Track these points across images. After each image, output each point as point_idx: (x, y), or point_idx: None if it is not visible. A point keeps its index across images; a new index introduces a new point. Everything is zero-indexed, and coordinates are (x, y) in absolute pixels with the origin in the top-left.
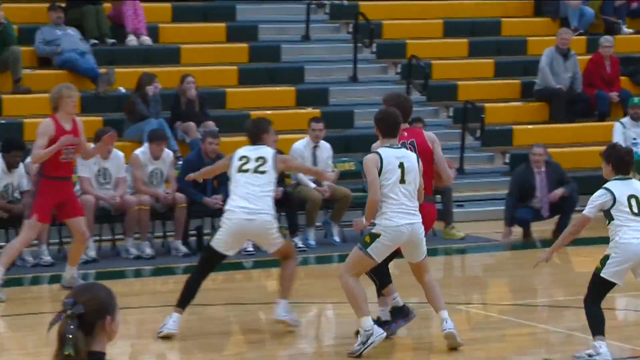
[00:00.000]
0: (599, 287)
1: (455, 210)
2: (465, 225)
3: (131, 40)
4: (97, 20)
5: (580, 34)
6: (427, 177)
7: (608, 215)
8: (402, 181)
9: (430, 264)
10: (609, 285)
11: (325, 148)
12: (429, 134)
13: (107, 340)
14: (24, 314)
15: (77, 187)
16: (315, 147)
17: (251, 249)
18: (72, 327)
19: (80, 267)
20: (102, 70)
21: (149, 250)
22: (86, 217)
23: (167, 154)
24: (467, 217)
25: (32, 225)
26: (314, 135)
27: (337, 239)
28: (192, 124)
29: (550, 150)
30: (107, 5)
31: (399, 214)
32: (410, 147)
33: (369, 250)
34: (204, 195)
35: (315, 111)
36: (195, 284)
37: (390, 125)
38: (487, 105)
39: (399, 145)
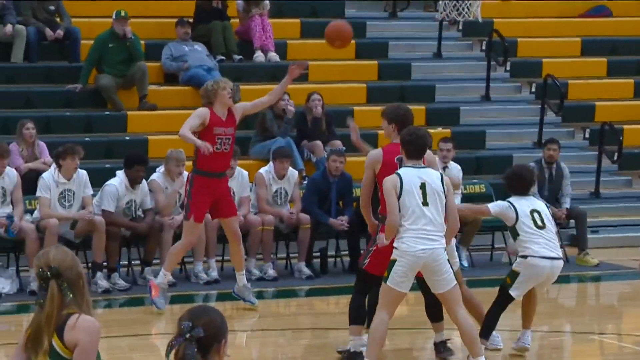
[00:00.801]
0: (503, 300)
1: (589, 236)
2: (599, 252)
3: (258, 56)
4: (224, 36)
5: None
6: None
7: (513, 232)
8: (425, 203)
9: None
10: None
11: (455, 169)
12: (428, 154)
13: None
14: (144, 334)
15: None
16: (445, 168)
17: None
18: (192, 350)
19: (203, 287)
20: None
21: (271, 272)
22: (209, 236)
23: (292, 173)
24: (601, 243)
25: (191, 227)
26: (442, 156)
27: (465, 263)
28: (318, 142)
29: None
30: (235, 21)
31: (417, 239)
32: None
33: (388, 282)
34: (329, 216)
35: (446, 131)
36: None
37: (419, 147)
38: (625, 127)
39: (422, 165)
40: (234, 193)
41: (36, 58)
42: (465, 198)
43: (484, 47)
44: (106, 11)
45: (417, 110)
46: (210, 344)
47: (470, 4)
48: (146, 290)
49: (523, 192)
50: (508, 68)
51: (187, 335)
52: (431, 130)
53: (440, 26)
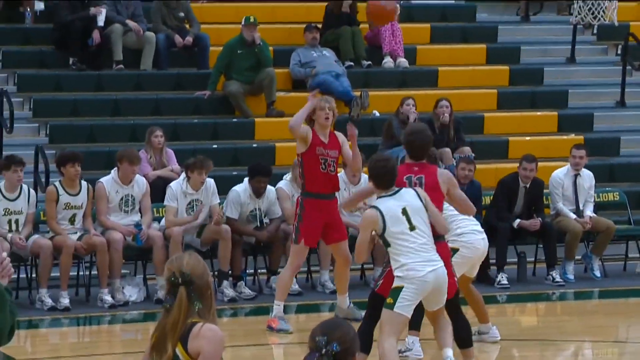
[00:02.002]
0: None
1: None
2: None
3: (387, 62)
4: (353, 42)
5: None
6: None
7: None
8: (412, 228)
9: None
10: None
11: (588, 177)
12: (443, 172)
13: None
14: (269, 344)
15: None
16: (577, 175)
17: (505, 282)
18: None
19: (328, 297)
20: (356, 92)
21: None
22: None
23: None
24: None
25: (300, 251)
26: (574, 163)
27: (597, 273)
28: (447, 149)
29: None
30: (364, 26)
31: (421, 262)
32: (415, 183)
33: (396, 309)
34: None
35: (579, 137)
36: None
37: (386, 176)
38: None
39: (395, 190)
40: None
41: (165, 65)
42: (599, 206)
43: (619, 51)
44: (235, 17)
45: (549, 116)
46: (344, 359)
47: (606, 6)
48: (272, 299)
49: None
50: None
51: (323, 351)
52: (564, 137)
53: (574, 30)
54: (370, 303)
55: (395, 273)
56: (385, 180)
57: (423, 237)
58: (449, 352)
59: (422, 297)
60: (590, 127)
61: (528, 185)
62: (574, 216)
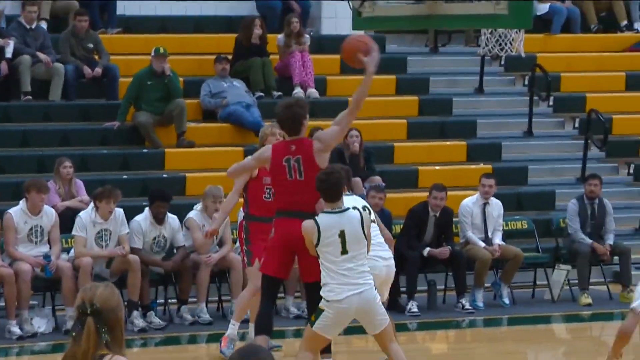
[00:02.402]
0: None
1: (634, 272)
2: None
3: (297, 92)
4: (263, 72)
5: None
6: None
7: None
8: (344, 252)
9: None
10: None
11: (496, 205)
12: (319, 135)
13: None
14: None
15: (237, 244)
16: (485, 204)
17: (416, 309)
18: None
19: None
20: (267, 123)
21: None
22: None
23: None
24: None
25: (254, 272)
26: (484, 192)
27: (506, 300)
28: (358, 179)
29: None
30: (274, 57)
31: (340, 285)
32: (294, 165)
33: (315, 327)
34: None
35: (487, 167)
36: None
37: (332, 189)
38: None
39: (341, 209)
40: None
41: (74, 96)
42: (507, 234)
43: (526, 82)
44: (145, 48)
45: (458, 146)
46: None
47: (512, 38)
48: (182, 329)
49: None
50: (551, 103)
51: None
52: (473, 166)
53: (482, 61)
54: (262, 285)
55: (322, 293)
56: (328, 193)
57: (352, 262)
58: None
59: (344, 320)
60: (499, 157)
61: (438, 214)
62: (483, 244)
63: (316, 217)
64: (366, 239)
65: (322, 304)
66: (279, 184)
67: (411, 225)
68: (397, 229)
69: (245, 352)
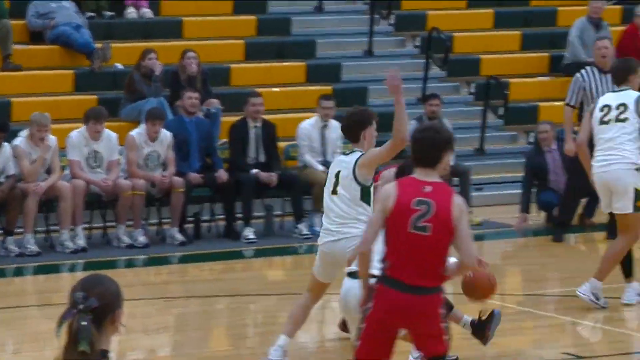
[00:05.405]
0: None
1: (473, 193)
2: (483, 210)
3: (130, 12)
4: None
5: (614, 3)
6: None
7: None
8: (334, 192)
9: None
10: None
11: (335, 128)
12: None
13: (111, 334)
14: (5, 307)
15: (67, 171)
16: (324, 126)
17: (252, 236)
18: (86, 321)
19: (69, 256)
20: (98, 45)
21: (142, 239)
22: (76, 203)
23: (165, 134)
24: (486, 201)
25: None
26: (323, 114)
27: (318, 228)
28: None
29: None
30: None
31: (324, 230)
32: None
33: (314, 268)
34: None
35: (327, 88)
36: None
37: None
38: (511, 80)
39: (350, 151)
40: (102, 156)
41: None
42: None
43: (367, 0)
44: None
45: (297, 67)
46: (105, 314)
47: None
48: (8, 261)
49: None
50: (392, 21)
51: (81, 307)
52: (311, 88)
53: None
54: None
55: None
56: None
57: (337, 206)
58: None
59: (332, 266)
60: (338, 78)
61: (259, 125)
62: (321, 168)
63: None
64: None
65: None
66: None
67: (234, 140)
68: (227, 153)
69: (87, 281)
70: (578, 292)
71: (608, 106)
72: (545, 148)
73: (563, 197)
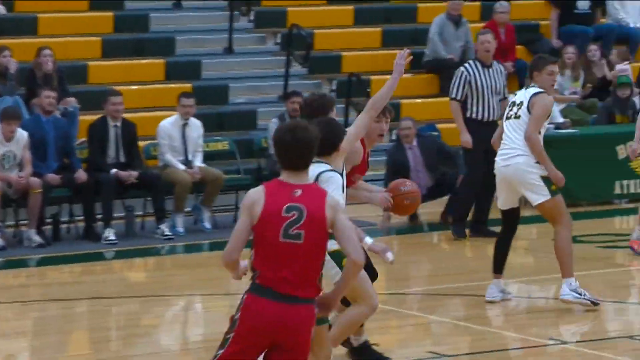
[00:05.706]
0: None
1: None
2: (347, 209)
3: None
4: None
5: (473, 0)
6: None
7: None
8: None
9: None
10: None
11: (196, 126)
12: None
13: None
14: None
15: None
16: (185, 125)
17: (113, 237)
18: None
19: None
20: None
21: None
22: None
23: (21, 134)
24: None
25: None
26: (183, 112)
27: (207, 225)
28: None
29: (441, 126)
30: None
31: None
32: None
33: None
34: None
35: (187, 85)
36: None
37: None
38: (373, 77)
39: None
40: None
41: None
42: (208, 156)
43: None
44: None
45: (156, 64)
46: None
47: None
48: None
49: None
50: (252, 18)
51: None
52: (171, 85)
53: None
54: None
55: None
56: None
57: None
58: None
59: None
60: (198, 75)
61: (119, 125)
62: (182, 167)
63: None
64: None
65: None
66: None
67: (93, 140)
68: (85, 153)
69: None
70: (561, 297)
71: (513, 102)
72: (406, 145)
73: (458, 193)
